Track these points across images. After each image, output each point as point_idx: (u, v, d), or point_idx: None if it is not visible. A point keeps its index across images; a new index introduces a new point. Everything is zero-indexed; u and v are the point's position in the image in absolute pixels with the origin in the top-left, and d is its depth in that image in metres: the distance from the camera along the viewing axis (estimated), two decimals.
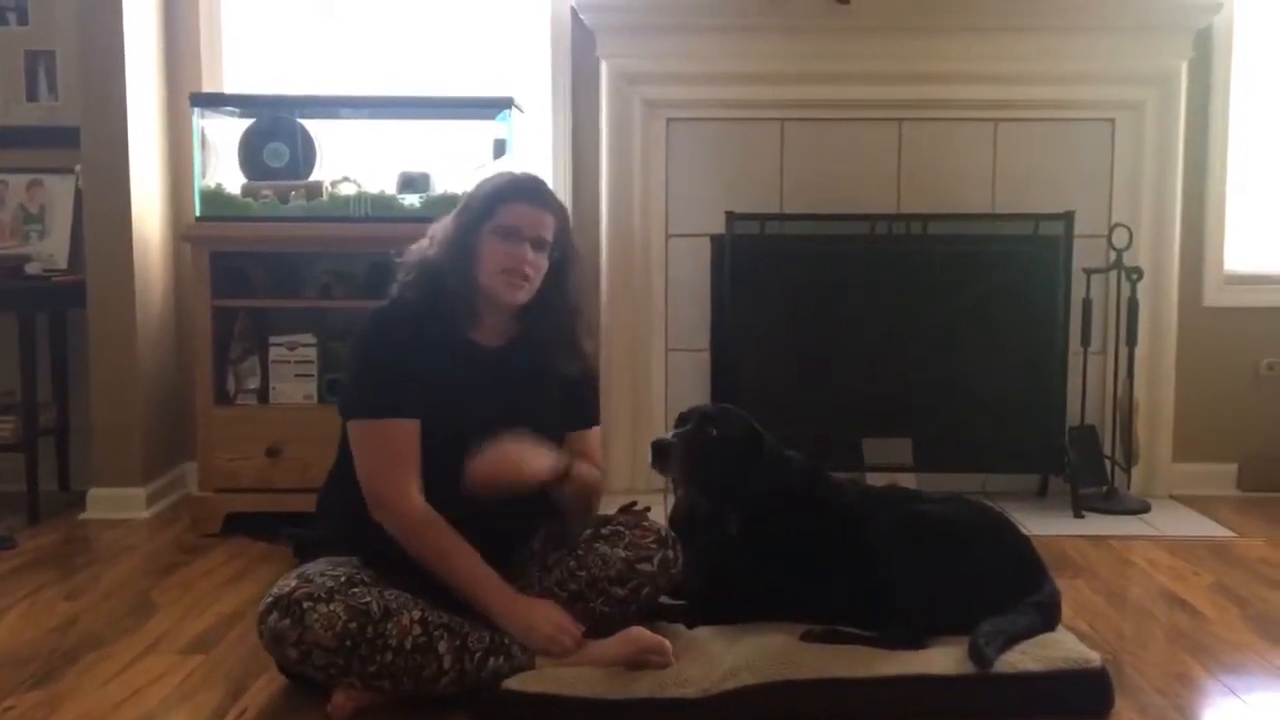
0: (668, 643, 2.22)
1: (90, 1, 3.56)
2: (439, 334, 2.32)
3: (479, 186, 2.43)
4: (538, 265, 2.34)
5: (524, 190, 2.37)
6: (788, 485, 2.48)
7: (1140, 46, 3.79)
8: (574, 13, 3.81)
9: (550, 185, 3.85)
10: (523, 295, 2.35)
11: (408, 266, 2.39)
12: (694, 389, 3.83)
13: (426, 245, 2.39)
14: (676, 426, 2.52)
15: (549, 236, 2.36)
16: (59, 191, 3.87)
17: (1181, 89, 3.83)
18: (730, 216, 3.71)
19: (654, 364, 3.92)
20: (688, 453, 2.43)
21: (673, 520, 2.56)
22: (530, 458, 2.24)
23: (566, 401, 2.46)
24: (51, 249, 3.83)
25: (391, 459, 2.26)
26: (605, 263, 3.86)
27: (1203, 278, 3.96)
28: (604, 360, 3.82)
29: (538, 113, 3.90)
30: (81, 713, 2.19)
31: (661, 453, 2.43)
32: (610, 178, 3.85)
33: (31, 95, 3.91)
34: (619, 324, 3.88)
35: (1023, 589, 2.38)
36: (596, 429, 2.55)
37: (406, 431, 2.27)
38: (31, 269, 3.66)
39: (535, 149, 3.88)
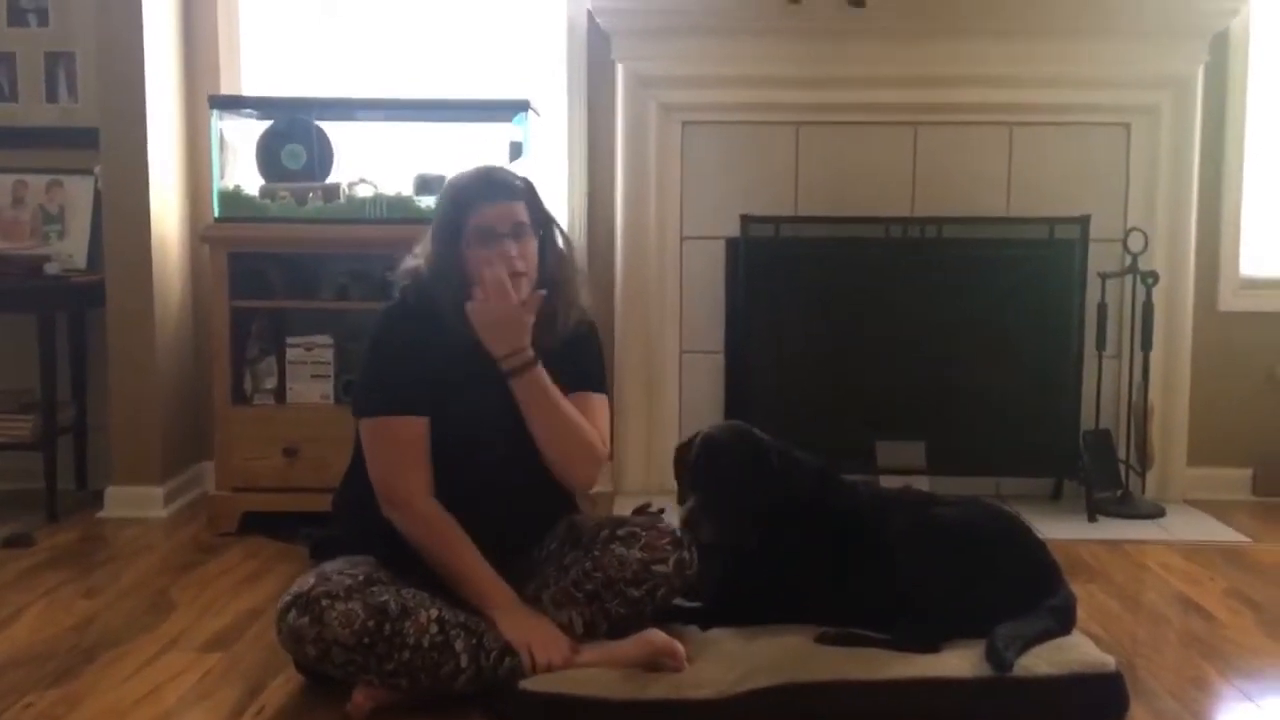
0: (682, 647, 2.23)
1: (110, 3, 3.58)
2: (443, 332, 2.32)
3: (439, 206, 2.41)
4: (526, 253, 2.33)
5: (484, 189, 2.34)
6: (799, 491, 2.48)
7: (1156, 50, 3.78)
8: (590, 16, 3.82)
9: (566, 188, 3.90)
10: (521, 291, 2.32)
11: (404, 273, 2.39)
12: (708, 391, 3.85)
13: (420, 261, 2.38)
14: (678, 460, 2.56)
15: (524, 219, 2.34)
16: (78, 192, 3.89)
17: (1198, 93, 3.82)
18: (745, 219, 3.72)
19: (668, 366, 3.93)
20: (717, 517, 2.43)
21: (685, 525, 2.55)
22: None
23: (568, 376, 2.41)
24: (71, 249, 3.85)
25: (401, 456, 2.28)
26: (620, 265, 3.87)
27: (1218, 282, 3.95)
28: (617, 362, 3.83)
29: (554, 115, 3.91)
30: (100, 710, 2.21)
31: (693, 529, 2.42)
32: (625, 180, 3.86)
33: (51, 96, 3.93)
34: (633, 326, 3.88)
35: (1038, 593, 2.38)
36: (599, 396, 2.48)
37: (415, 429, 2.28)
38: (51, 269, 3.68)
39: (551, 151, 3.89)
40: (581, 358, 2.47)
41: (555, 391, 2.33)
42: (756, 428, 2.58)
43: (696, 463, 2.49)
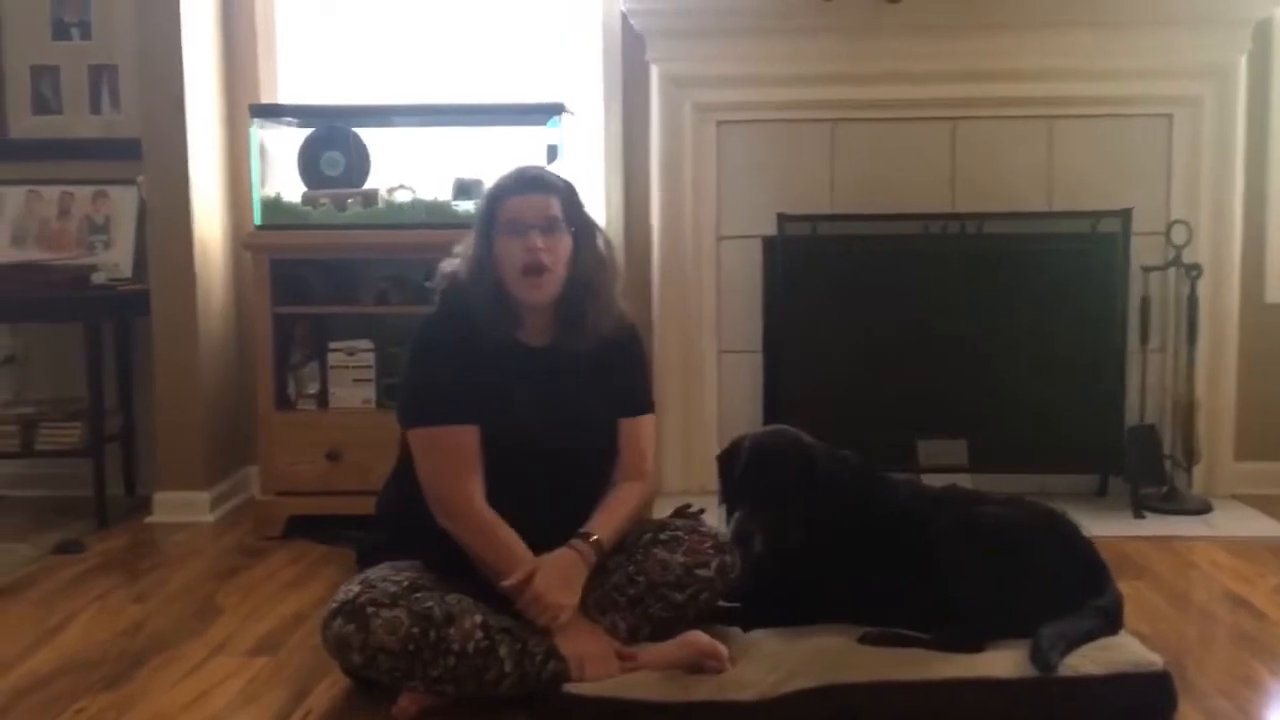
0: (724, 648, 2.23)
1: (150, 16, 3.64)
2: (486, 339, 2.33)
3: (478, 207, 2.45)
4: (555, 248, 2.31)
5: (516, 183, 2.36)
6: (844, 492, 2.47)
7: (1197, 40, 3.73)
8: (624, 17, 3.83)
9: (602, 189, 3.91)
10: (547, 288, 2.32)
11: (443, 278, 2.41)
12: (747, 391, 3.84)
13: (458, 263, 2.40)
14: (723, 463, 2.54)
15: (557, 214, 2.33)
16: (123, 202, 3.95)
17: (1240, 82, 3.76)
18: (782, 218, 3.70)
19: (706, 366, 3.92)
20: (767, 528, 2.42)
21: (736, 539, 2.54)
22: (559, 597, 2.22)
23: (616, 389, 2.44)
24: (116, 259, 3.91)
25: (453, 464, 2.28)
26: (657, 265, 3.87)
27: (1264, 273, 3.89)
28: (656, 362, 3.82)
29: (589, 117, 3.92)
30: (150, 714, 2.25)
31: (744, 543, 2.41)
32: (661, 181, 3.86)
33: (95, 108, 4.00)
34: (671, 326, 3.88)
35: (1085, 592, 2.35)
36: (647, 418, 2.50)
37: (465, 436, 2.29)
38: (97, 279, 3.75)
39: (587, 153, 3.90)
40: (622, 372, 2.47)
41: (613, 535, 2.35)
42: (797, 428, 2.57)
43: (745, 474, 2.47)
